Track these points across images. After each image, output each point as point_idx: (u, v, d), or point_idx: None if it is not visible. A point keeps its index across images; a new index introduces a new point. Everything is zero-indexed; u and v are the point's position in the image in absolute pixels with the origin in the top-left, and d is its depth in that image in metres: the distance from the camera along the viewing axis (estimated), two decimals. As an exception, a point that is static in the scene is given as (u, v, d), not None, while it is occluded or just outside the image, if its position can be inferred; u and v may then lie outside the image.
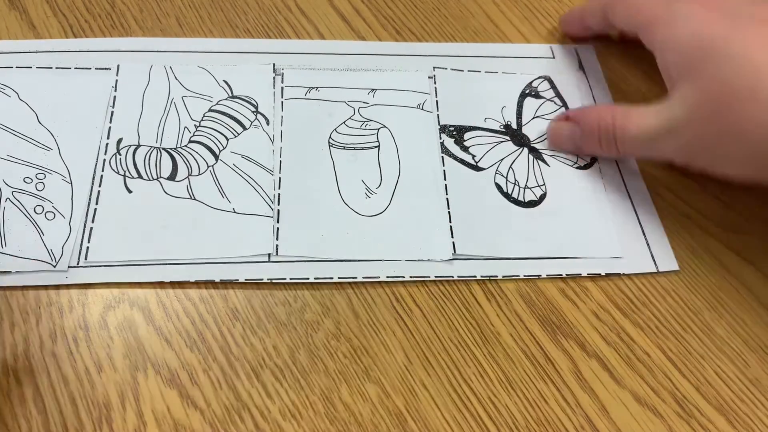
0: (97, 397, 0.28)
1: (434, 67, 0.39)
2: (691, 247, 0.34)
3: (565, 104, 0.39)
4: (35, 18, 0.40)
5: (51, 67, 0.37)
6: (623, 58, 0.41)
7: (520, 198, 0.35)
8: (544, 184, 0.35)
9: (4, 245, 0.31)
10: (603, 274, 0.32)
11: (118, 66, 0.38)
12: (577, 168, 0.36)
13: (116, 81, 0.37)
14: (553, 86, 0.39)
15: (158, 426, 0.28)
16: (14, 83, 0.37)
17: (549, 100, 0.39)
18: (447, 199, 0.34)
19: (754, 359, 0.30)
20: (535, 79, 0.39)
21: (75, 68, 0.37)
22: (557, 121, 0.37)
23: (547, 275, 0.32)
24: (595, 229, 0.34)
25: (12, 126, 0.35)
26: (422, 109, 0.37)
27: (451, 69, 0.39)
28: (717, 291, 0.32)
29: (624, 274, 0.33)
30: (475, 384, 0.29)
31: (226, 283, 0.31)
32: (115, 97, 0.36)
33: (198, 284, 0.31)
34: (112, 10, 0.40)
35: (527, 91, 0.39)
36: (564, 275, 0.32)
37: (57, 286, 0.31)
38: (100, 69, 0.38)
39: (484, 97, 0.39)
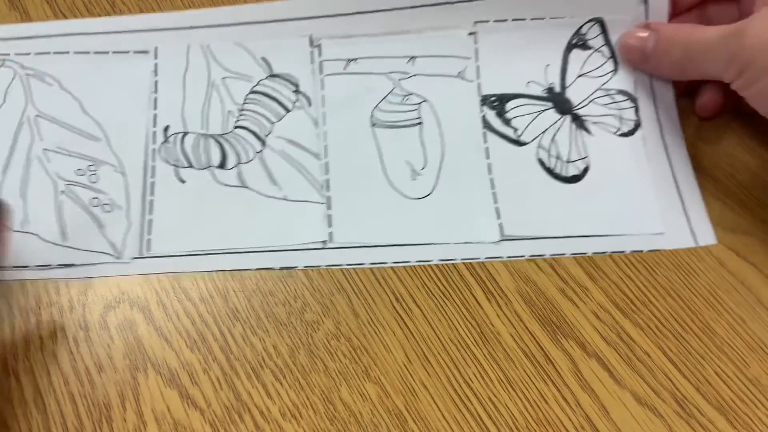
0: (97, 396, 0.28)
1: (475, 22, 0.37)
2: (691, 247, 0.34)
3: (613, 54, 0.37)
4: (35, 18, 0.40)
5: (88, 52, 0.37)
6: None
7: (563, 173, 0.35)
8: (586, 157, 0.35)
9: (65, 238, 0.32)
10: (645, 251, 0.33)
11: (156, 48, 0.37)
12: (620, 135, 0.36)
13: (155, 65, 0.37)
14: (604, 31, 0.37)
15: (158, 426, 0.28)
16: (54, 71, 0.36)
17: (597, 50, 0.37)
18: (491, 179, 0.34)
19: (754, 359, 0.30)
20: (585, 24, 0.37)
21: (113, 52, 0.37)
22: (633, 29, 0.36)
23: (593, 253, 0.33)
24: (637, 205, 0.34)
25: (58, 116, 0.35)
26: (463, 78, 0.37)
27: (494, 21, 0.37)
28: (717, 291, 0.32)
29: (664, 250, 0.33)
30: (475, 384, 0.29)
31: (284, 270, 0.31)
32: (156, 81, 0.36)
33: (198, 284, 0.31)
34: (112, 10, 0.40)
35: (574, 41, 0.37)
36: (609, 252, 0.33)
37: (116, 277, 0.32)
38: (138, 52, 0.37)
39: (528, 53, 0.37)
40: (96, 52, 0.37)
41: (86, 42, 0.37)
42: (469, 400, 0.29)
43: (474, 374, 0.30)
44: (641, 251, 0.33)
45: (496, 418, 0.29)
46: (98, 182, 0.33)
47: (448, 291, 0.32)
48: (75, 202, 0.33)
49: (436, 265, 0.32)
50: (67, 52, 0.37)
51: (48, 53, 0.37)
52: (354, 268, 0.32)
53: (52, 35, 0.37)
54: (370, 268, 0.32)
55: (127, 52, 0.37)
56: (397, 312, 0.31)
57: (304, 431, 0.28)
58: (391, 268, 0.32)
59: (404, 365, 0.30)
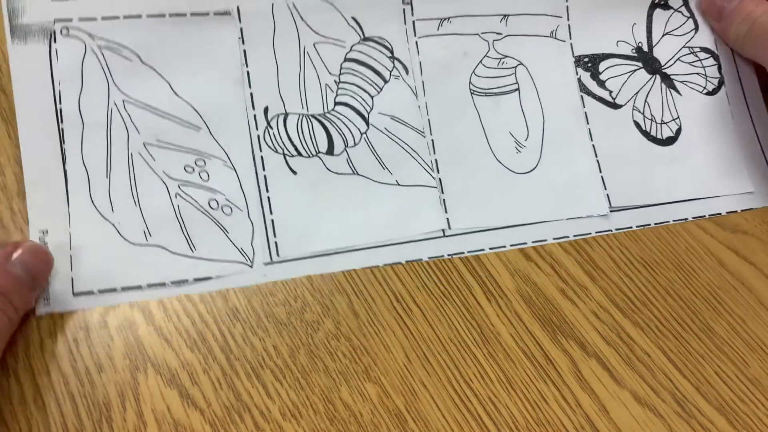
0: (97, 396, 0.28)
1: None
2: (691, 247, 0.34)
3: (692, 14, 0.39)
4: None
5: (164, 15, 0.32)
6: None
7: (658, 135, 0.36)
8: (678, 118, 0.36)
9: (193, 249, 0.30)
10: (739, 211, 0.34)
11: (238, 9, 0.33)
12: (705, 94, 0.37)
13: (241, 30, 0.33)
14: None
15: (158, 426, 0.28)
16: (129, 41, 0.31)
17: (677, 10, 0.39)
18: (593, 146, 0.35)
19: (754, 359, 0.30)
20: None
21: (191, 14, 0.32)
22: None
23: (693, 218, 0.34)
24: (726, 166, 0.35)
25: (148, 101, 0.31)
26: (555, 37, 0.37)
27: None
28: (717, 291, 0.32)
29: (756, 209, 0.34)
30: (475, 384, 0.29)
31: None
32: (245, 51, 0.33)
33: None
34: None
35: (656, 1, 0.39)
36: (707, 216, 0.34)
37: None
38: (219, 14, 0.32)
39: (615, 12, 0.38)
40: (171, 15, 0.32)
41: (158, 2, 0.32)
42: (469, 400, 0.29)
43: (474, 374, 0.30)
44: (735, 212, 0.34)
45: (496, 418, 0.29)
46: (210, 180, 0.31)
47: (448, 291, 0.32)
48: (193, 206, 0.31)
49: (436, 265, 0.32)
50: (140, 16, 0.31)
51: (117, 17, 0.31)
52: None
53: None
54: (371, 269, 0.32)
55: (206, 13, 0.32)
56: (397, 312, 0.31)
57: (304, 431, 0.28)
58: (392, 267, 0.32)
59: (404, 365, 0.30)
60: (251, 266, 0.31)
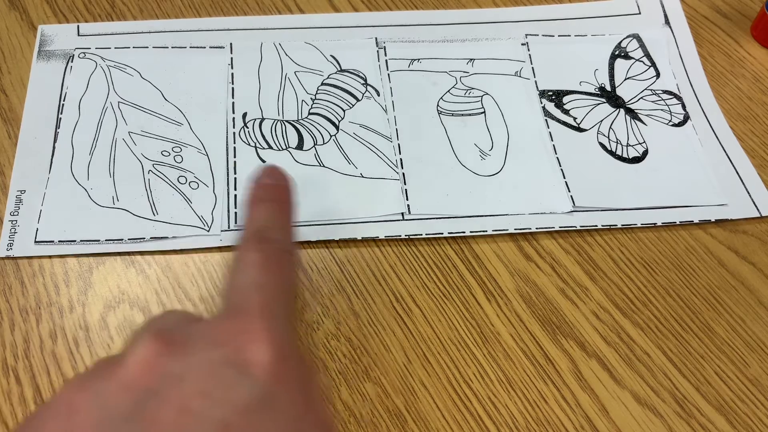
0: (97, 397, 0.28)
1: (526, 35, 0.41)
2: (691, 247, 0.34)
3: (653, 63, 0.40)
4: (35, 18, 0.40)
5: (167, 47, 0.39)
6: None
7: (624, 155, 0.36)
8: (644, 142, 0.37)
9: (155, 213, 0.33)
10: (713, 220, 0.34)
11: (231, 44, 0.39)
12: (672, 126, 0.38)
13: (231, 59, 0.38)
14: (641, 45, 0.41)
15: (158, 426, 0.28)
16: (134, 63, 0.38)
17: (638, 60, 0.40)
18: (557, 158, 0.36)
19: (754, 359, 0.30)
20: (624, 39, 0.41)
21: (190, 47, 0.39)
22: None
23: (663, 223, 0.34)
24: (698, 181, 0.36)
25: (140, 103, 0.36)
26: (520, 76, 0.39)
27: (543, 35, 0.41)
28: (716, 291, 0.32)
29: (731, 220, 0.34)
30: (475, 384, 0.29)
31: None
32: (232, 74, 0.38)
33: (198, 283, 0.31)
34: (112, 11, 0.41)
35: (617, 53, 0.40)
36: (678, 222, 0.34)
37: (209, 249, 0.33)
38: (214, 48, 0.39)
39: (577, 61, 0.40)
40: (174, 47, 0.39)
41: (164, 38, 0.39)
42: (469, 400, 0.29)
43: (474, 374, 0.30)
44: (709, 221, 0.34)
45: (496, 418, 0.28)
46: (183, 162, 0.35)
47: (448, 291, 0.32)
48: (163, 180, 0.34)
49: (436, 265, 0.32)
50: (147, 47, 0.39)
51: (128, 48, 0.38)
52: (354, 271, 0.32)
53: (131, 32, 0.39)
54: (371, 269, 0.32)
55: (203, 47, 0.39)
56: (397, 312, 0.31)
57: (304, 431, 0.28)
58: (392, 268, 0.32)
59: (404, 365, 0.30)
60: (208, 231, 0.33)
